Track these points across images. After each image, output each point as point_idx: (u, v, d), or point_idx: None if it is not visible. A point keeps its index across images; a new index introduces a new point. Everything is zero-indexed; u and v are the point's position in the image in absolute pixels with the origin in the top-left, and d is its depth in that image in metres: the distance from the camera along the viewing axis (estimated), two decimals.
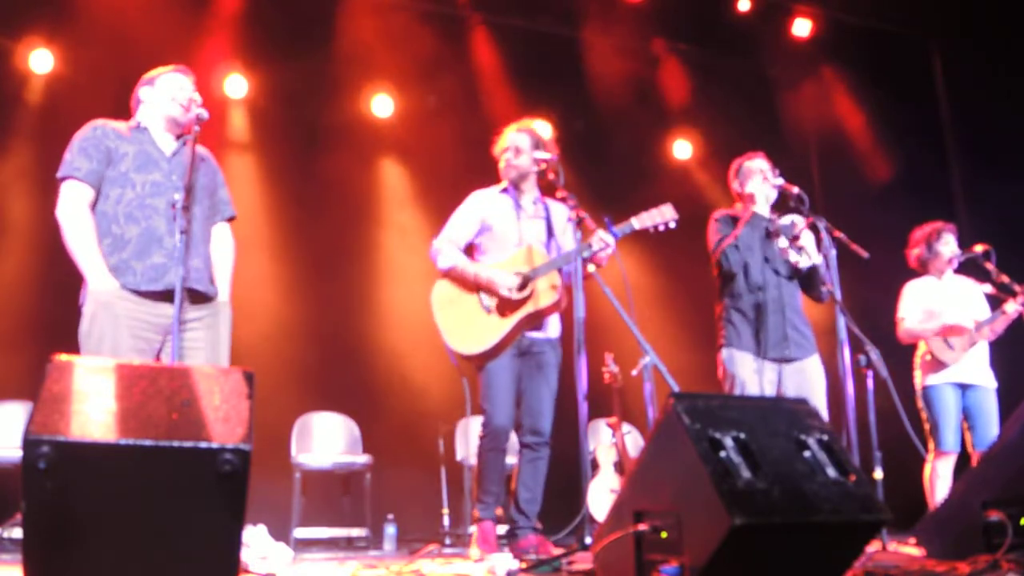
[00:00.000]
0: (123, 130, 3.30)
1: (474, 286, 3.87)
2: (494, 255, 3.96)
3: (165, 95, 3.33)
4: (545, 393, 3.88)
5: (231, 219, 3.53)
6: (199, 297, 3.21)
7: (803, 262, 4.14)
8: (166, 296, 3.11)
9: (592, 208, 3.91)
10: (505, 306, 3.82)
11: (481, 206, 4.04)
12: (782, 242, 4.14)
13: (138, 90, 3.40)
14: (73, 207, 3.14)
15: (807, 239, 4.17)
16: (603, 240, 3.70)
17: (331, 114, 6.53)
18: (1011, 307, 4.73)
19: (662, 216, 3.84)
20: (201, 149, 3.41)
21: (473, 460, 4.04)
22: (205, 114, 3.21)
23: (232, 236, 3.51)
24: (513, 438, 4.02)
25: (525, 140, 4.00)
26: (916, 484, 4.82)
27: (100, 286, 3.06)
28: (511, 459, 4.14)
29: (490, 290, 3.83)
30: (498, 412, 3.78)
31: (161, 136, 3.34)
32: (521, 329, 3.85)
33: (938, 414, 4.75)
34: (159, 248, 3.14)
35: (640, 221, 3.86)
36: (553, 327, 4.00)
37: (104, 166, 3.19)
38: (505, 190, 4.07)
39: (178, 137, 3.37)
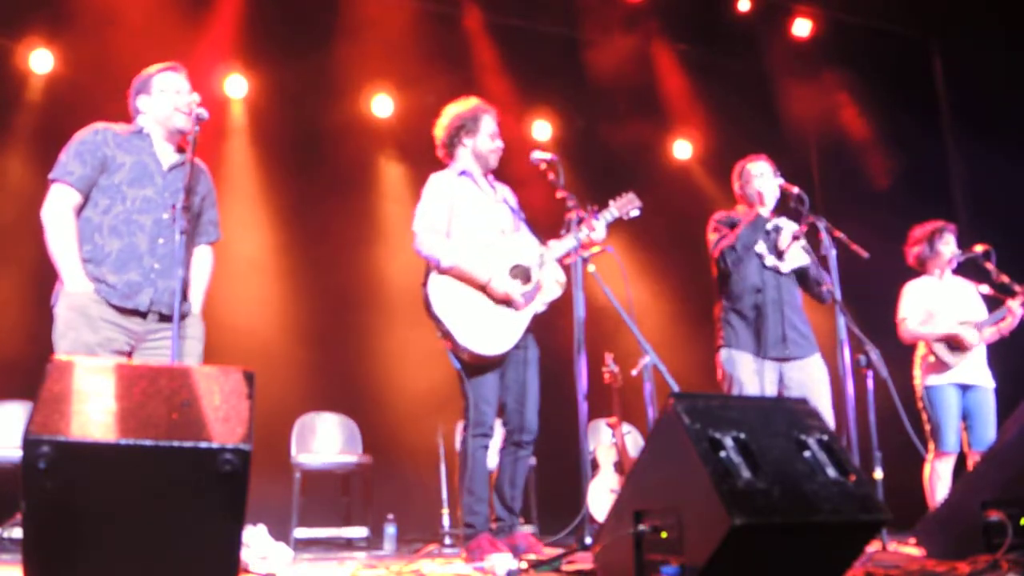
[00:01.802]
0: (124, 134, 3.26)
1: (478, 285, 3.70)
2: (460, 241, 3.75)
3: (166, 104, 3.29)
4: (537, 389, 3.81)
5: (215, 242, 3.50)
6: (168, 318, 3.13)
7: (783, 266, 4.18)
8: (136, 313, 3.12)
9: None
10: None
11: (445, 191, 3.82)
12: (759, 247, 4.17)
13: (135, 99, 3.36)
14: (58, 210, 3.13)
15: (794, 241, 4.18)
16: (597, 232, 3.69)
17: (331, 114, 6.53)
18: (1016, 306, 4.70)
19: (631, 203, 3.90)
20: (199, 163, 3.38)
21: None
22: (205, 114, 3.17)
23: (212, 258, 3.48)
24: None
25: (494, 124, 3.94)
26: (916, 484, 4.81)
27: (75, 288, 3.05)
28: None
29: (506, 300, 3.69)
30: (491, 409, 3.70)
31: (161, 145, 3.32)
32: (531, 324, 3.78)
33: (940, 415, 4.75)
34: (137, 266, 3.13)
35: (619, 208, 3.87)
36: None
37: (97, 173, 3.17)
38: (464, 172, 3.89)
39: (179, 143, 3.35)
